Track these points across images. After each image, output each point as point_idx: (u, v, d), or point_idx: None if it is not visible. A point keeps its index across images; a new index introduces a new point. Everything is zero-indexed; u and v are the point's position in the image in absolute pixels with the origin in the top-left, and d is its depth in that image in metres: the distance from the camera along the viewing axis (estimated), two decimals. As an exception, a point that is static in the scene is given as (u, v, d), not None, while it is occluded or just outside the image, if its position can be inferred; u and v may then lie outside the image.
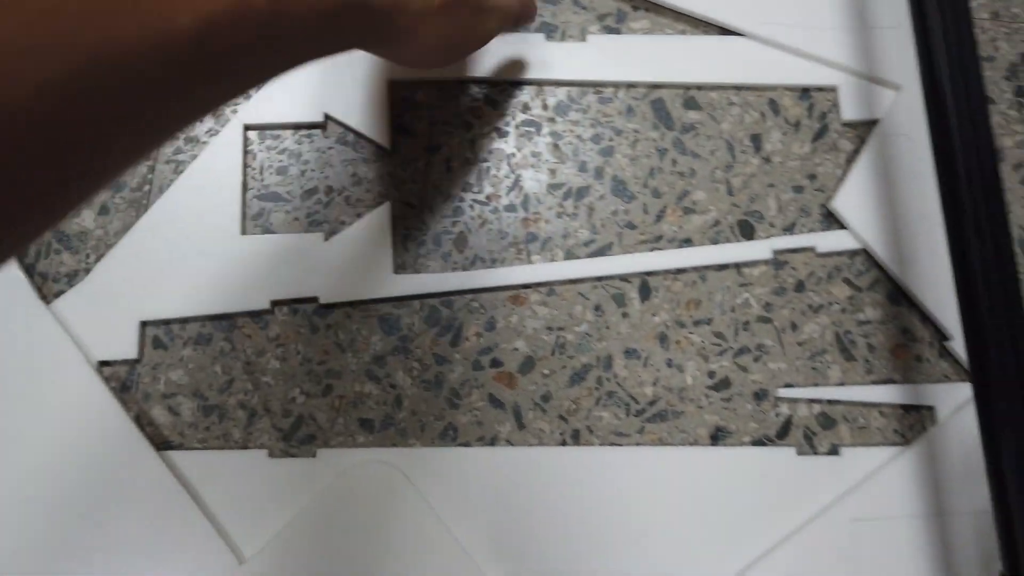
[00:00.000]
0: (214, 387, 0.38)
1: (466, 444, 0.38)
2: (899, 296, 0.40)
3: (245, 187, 0.40)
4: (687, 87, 0.41)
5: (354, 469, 0.37)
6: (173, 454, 0.37)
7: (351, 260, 0.39)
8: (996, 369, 0.31)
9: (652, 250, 0.40)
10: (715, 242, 0.40)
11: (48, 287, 0.39)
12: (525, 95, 0.42)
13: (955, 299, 0.32)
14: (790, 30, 0.42)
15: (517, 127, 0.41)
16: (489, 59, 0.42)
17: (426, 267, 0.40)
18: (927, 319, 0.39)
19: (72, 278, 0.39)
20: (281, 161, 0.41)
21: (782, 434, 0.38)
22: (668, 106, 0.41)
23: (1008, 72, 0.42)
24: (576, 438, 0.38)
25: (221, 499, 0.37)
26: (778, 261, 0.40)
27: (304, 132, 0.41)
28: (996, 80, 0.42)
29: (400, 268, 0.40)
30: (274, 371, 0.38)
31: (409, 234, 0.40)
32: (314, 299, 0.39)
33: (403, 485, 0.37)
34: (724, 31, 0.42)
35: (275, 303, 0.39)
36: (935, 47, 0.34)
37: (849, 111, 0.41)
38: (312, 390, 0.38)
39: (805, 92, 0.42)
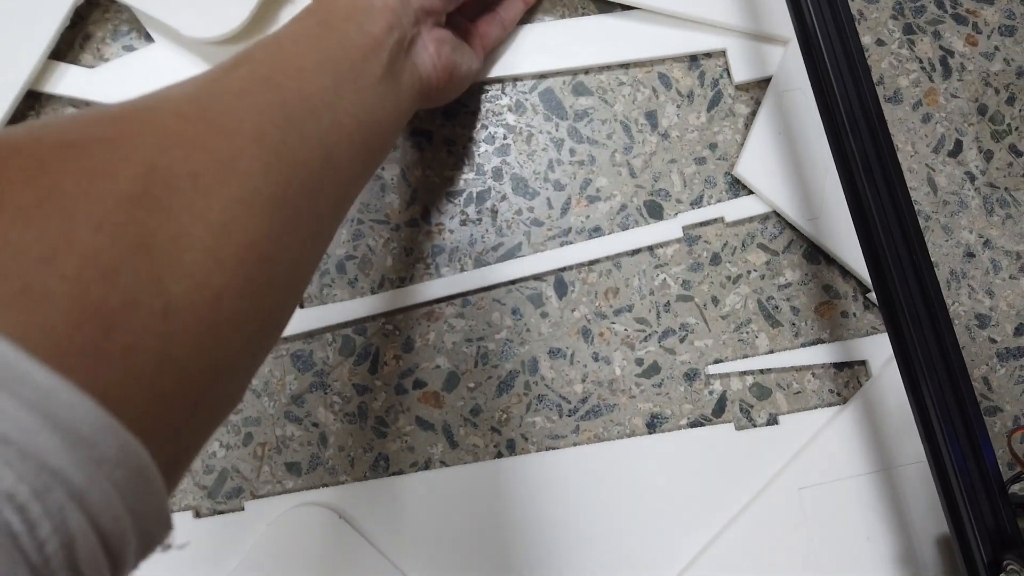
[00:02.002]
0: (129, 455, 0.36)
1: (399, 472, 0.37)
2: (816, 254, 0.39)
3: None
4: (574, 72, 0.40)
5: (285, 516, 0.36)
6: (95, 531, 0.35)
7: (255, 301, 0.38)
8: (907, 315, 0.30)
9: (562, 245, 0.39)
10: (624, 227, 0.39)
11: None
12: (412, 105, 0.40)
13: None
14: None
15: (407, 138, 0.40)
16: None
17: (333, 296, 0.38)
18: (847, 273, 0.38)
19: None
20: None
21: (718, 411, 0.37)
22: (558, 95, 0.40)
23: (894, 11, 0.42)
24: (512, 448, 0.37)
25: (151, 569, 0.35)
26: (690, 237, 0.39)
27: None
28: (883, 21, 0.42)
29: (305, 301, 0.38)
30: (189, 428, 0.37)
31: (312, 265, 0.38)
32: (221, 347, 0.37)
33: (338, 525, 0.35)
34: (603, 9, 0.41)
35: (180, 358, 0.37)
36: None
37: (740, 72, 0.40)
38: (232, 441, 0.37)
39: (694, 60, 0.41)
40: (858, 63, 0.32)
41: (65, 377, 0.13)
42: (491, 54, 0.40)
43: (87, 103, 0.39)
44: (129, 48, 0.40)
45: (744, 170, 0.38)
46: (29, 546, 0.12)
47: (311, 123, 0.23)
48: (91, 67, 0.39)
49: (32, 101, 0.39)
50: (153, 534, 0.16)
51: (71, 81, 0.39)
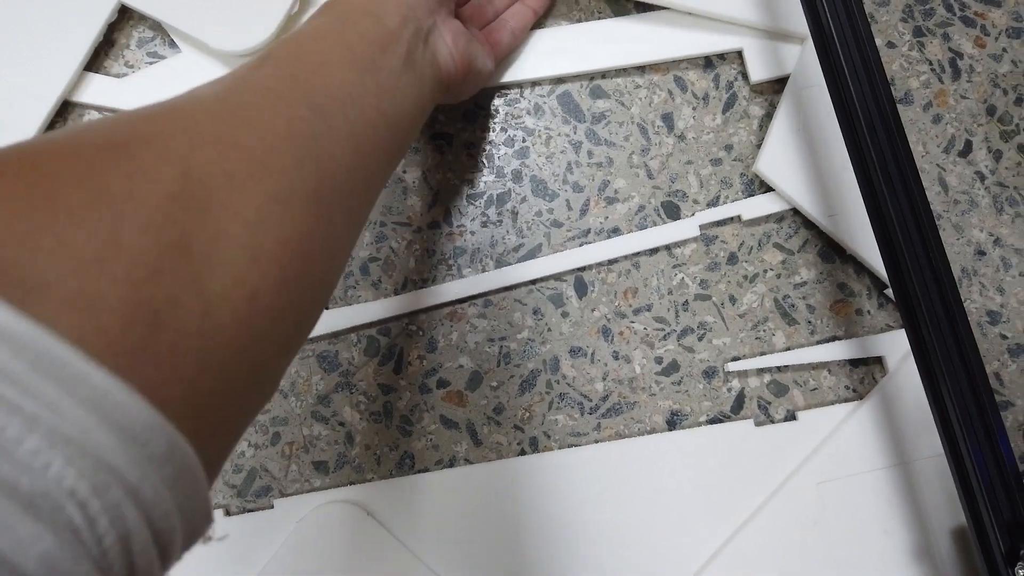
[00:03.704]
0: (159, 455, 0.37)
1: (424, 470, 0.37)
2: (831, 253, 0.39)
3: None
4: (591, 75, 0.41)
5: (314, 513, 0.36)
6: (127, 530, 0.36)
7: (280, 303, 0.38)
8: (924, 311, 0.31)
9: (582, 245, 0.39)
10: (642, 227, 0.40)
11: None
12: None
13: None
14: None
15: (428, 141, 0.41)
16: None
17: (357, 298, 0.39)
18: (862, 271, 0.39)
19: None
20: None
21: (737, 408, 0.38)
22: (575, 98, 0.41)
23: (904, 14, 0.42)
24: (534, 446, 0.38)
25: (183, 568, 0.36)
26: (708, 237, 0.40)
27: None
28: (893, 24, 0.42)
29: (331, 303, 0.39)
30: (218, 428, 0.37)
31: (336, 267, 0.39)
32: (248, 349, 0.38)
33: (366, 522, 0.36)
34: (618, 12, 0.42)
35: (208, 359, 0.38)
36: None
37: (757, 71, 0.41)
38: (260, 441, 0.37)
39: (709, 63, 0.42)
40: (873, 64, 0.32)
41: (118, 377, 0.14)
42: (507, 59, 0.41)
43: (115, 111, 0.40)
44: (154, 55, 0.41)
45: (764, 166, 0.39)
46: (90, 540, 0.13)
47: (339, 117, 0.23)
48: (117, 75, 0.40)
49: (61, 110, 0.39)
50: (197, 527, 0.16)
51: (99, 90, 0.40)
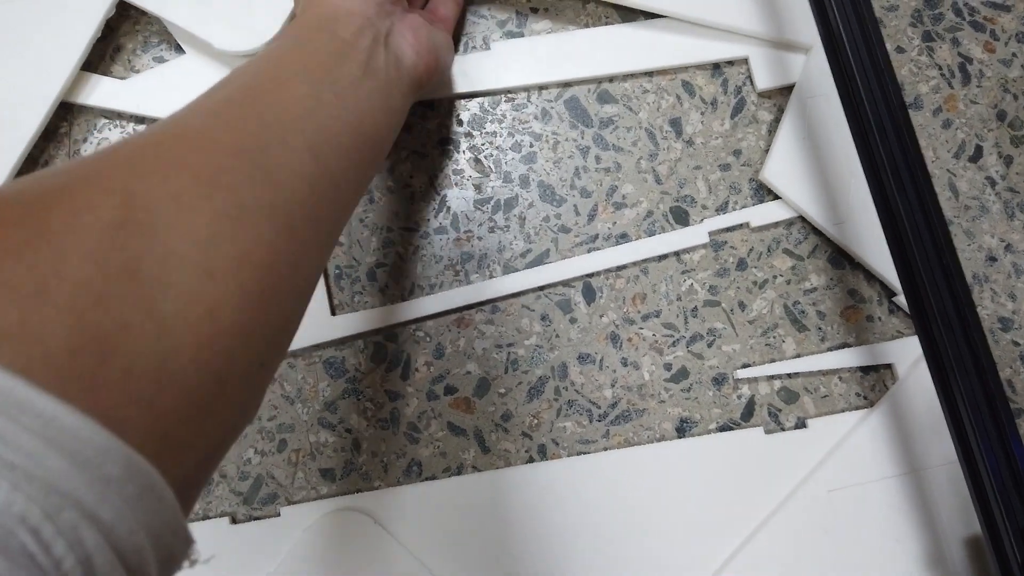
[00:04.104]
0: (164, 462, 0.37)
1: (432, 477, 0.37)
2: (841, 259, 0.39)
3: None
4: (599, 80, 0.41)
5: (321, 521, 0.36)
6: (131, 538, 0.36)
7: (286, 309, 0.38)
8: (938, 318, 0.30)
9: (590, 251, 0.39)
10: (651, 233, 0.39)
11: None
12: (438, 114, 0.41)
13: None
14: (694, 4, 0.41)
15: (435, 147, 0.40)
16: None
17: (364, 304, 0.39)
18: (872, 277, 0.39)
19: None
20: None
21: (747, 415, 0.38)
22: (583, 103, 0.41)
23: (913, 19, 0.42)
24: (543, 453, 0.37)
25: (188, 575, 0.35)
26: (716, 243, 0.39)
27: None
28: (902, 29, 0.42)
29: (337, 309, 0.39)
30: (224, 435, 0.37)
31: (341, 272, 0.39)
32: (254, 355, 0.38)
33: (374, 530, 0.36)
34: (626, 19, 0.41)
35: (214, 366, 0.38)
36: (829, 4, 0.33)
37: (763, 80, 0.41)
38: (266, 448, 0.37)
39: (717, 68, 0.41)
40: (884, 69, 0.32)
41: (65, 402, 0.14)
42: (518, 63, 0.40)
43: (119, 114, 0.40)
44: (160, 59, 0.40)
45: (771, 174, 0.39)
46: (47, 564, 0.13)
47: (293, 129, 0.23)
48: (123, 78, 0.40)
49: (65, 112, 0.39)
50: (172, 549, 0.16)
51: (103, 92, 0.39)
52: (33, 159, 0.38)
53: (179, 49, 0.40)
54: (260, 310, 0.19)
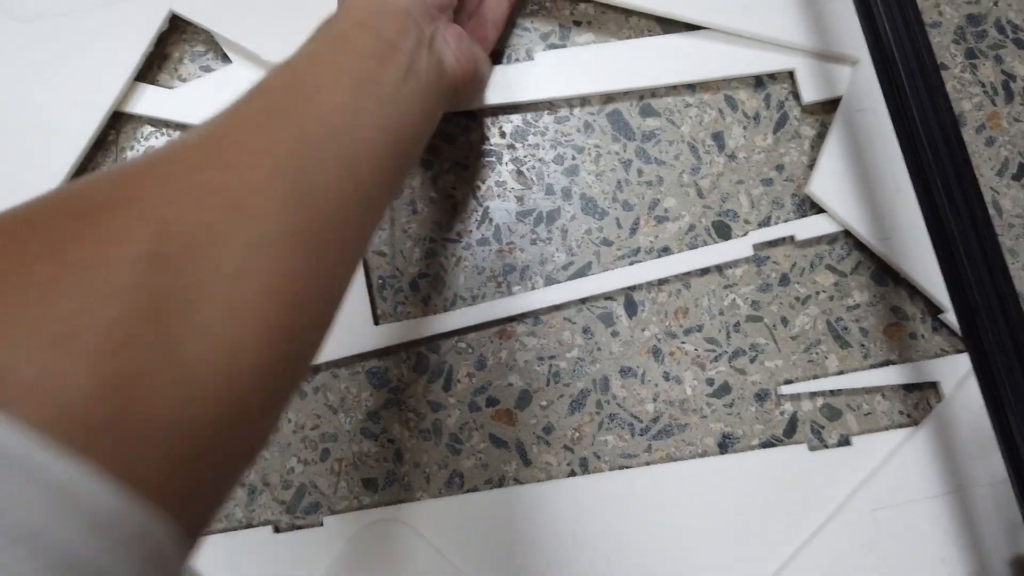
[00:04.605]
0: (208, 469, 0.37)
1: (474, 489, 0.37)
2: (884, 275, 0.39)
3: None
4: (641, 94, 0.41)
5: (364, 532, 0.36)
6: (175, 545, 0.36)
7: (330, 318, 0.38)
8: (990, 335, 0.30)
9: (632, 264, 0.39)
10: (693, 247, 0.39)
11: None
12: (481, 125, 0.41)
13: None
14: (739, 16, 0.41)
15: (477, 158, 0.41)
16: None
17: (407, 314, 0.39)
18: (916, 294, 0.39)
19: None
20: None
21: (790, 432, 0.38)
22: (625, 116, 0.41)
23: (956, 36, 0.42)
24: (584, 466, 0.37)
25: (231, 585, 0.36)
26: (759, 258, 0.39)
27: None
28: (945, 45, 0.42)
29: (380, 319, 0.39)
30: (267, 443, 0.37)
31: (384, 282, 0.39)
32: (297, 364, 0.38)
33: (416, 541, 0.36)
34: (667, 30, 0.41)
35: (258, 374, 0.38)
36: (879, 18, 0.33)
37: (809, 93, 0.40)
38: (309, 457, 0.37)
39: (759, 83, 0.41)
40: (934, 81, 0.32)
41: (84, 459, 0.13)
42: (561, 74, 0.40)
43: (167, 123, 0.40)
44: (207, 68, 0.41)
45: (817, 188, 0.39)
46: None
47: (331, 144, 0.22)
48: (169, 87, 0.40)
49: (113, 121, 0.40)
50: None
51: (151, 101, 0.40)
52: (82, 167, 0.39)
53: (226, 58, 0.40)
54: (283, 346, 0.19)
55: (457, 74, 0.31)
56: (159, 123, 0.40)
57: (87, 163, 0.39)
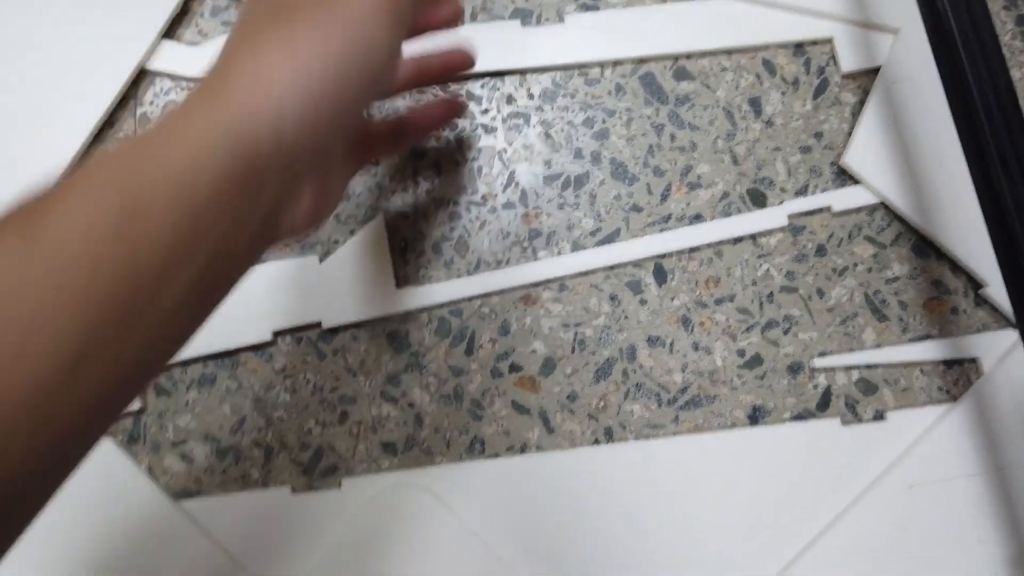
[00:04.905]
0: (225, 428, 0.36)
1: (495, 455, 0.36)
2: (925, 248, 0.38)
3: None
4: (675, 57, 0.40)
5: (382, 495, 0.35)
6: (192, 502, 0.35)
7: (350, 279, 0.37)
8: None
9: (662, 231, 0.38)
10: (727, 215, 0.38)
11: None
12: (508, 86, 0.40)
13: (987, 245, 0.30)
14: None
15: (504, 120, 0.39)
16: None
17: (429, 277, 0.38)
18: (958, 268, 0.37)
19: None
20: (266, 186, 0.39)
21: (823, 406, 0.36)
22: (659, 79, 0.40)
23: (1007, 2, 0.41)
24: (609, 436, 0.36)
25: (248, 543, 0.35)
26: (795, 227, 0.38)
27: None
28: (996, 12, 0.40)
29: (402, 281, 0.38)
30: (285, 404, 0.37)
31: (407, 245, 0.38)
32: (317, 324, 0.37)
33: (435, 506, 0.35)
34: (707, -5, 0.40)
35: (277, 333, 0.37)
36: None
37: (848, 62, 0.39)
38: (328, 419, 0.37)
39: (799, 48, 0.40)
40: (992, 50, 0.31)
41: None
42: (592, 38, 0.39)
43: (187, 80, 0.39)
44: (228, 24, 0.40)
45: (852, 159, 0.37)
46: None
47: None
48: (190, 43, 0.40)
49: (138, 78, 0.39)
50: None
51: (173, 57, 0.39)
52: (106, 124, 0.38)
53: (250, 13, 0.40)
54: None
55: (289, 233, 0.24)
56: (181, 80, 0.40)
57: (111, 120, 0.39)
